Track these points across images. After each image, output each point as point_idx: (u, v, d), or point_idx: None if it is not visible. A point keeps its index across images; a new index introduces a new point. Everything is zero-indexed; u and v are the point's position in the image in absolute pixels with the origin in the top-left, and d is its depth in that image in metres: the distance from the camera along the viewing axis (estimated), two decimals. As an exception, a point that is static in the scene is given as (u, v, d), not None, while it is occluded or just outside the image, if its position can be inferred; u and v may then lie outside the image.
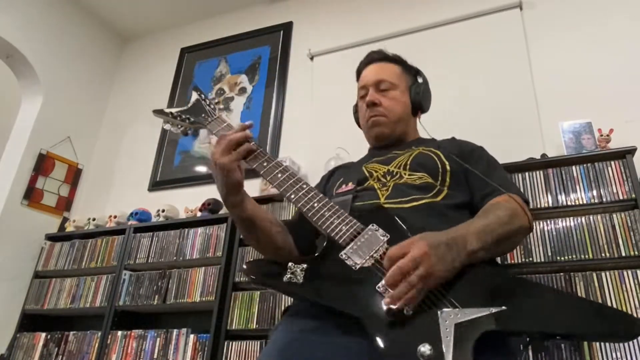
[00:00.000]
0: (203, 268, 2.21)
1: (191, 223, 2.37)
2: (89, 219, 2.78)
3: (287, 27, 3.01)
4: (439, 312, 0.75)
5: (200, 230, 2.31)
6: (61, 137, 3.02)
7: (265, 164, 1.00)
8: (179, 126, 1.18)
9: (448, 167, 1.05)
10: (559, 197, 1.70)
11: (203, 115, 1.15)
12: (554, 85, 2.11)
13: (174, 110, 1.18)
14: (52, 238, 2.77)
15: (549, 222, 1.68)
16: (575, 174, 1.72)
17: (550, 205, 1.70)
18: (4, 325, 2.55)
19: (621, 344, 1.44)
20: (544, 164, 1.79)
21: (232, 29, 3.19)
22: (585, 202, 1.67)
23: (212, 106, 1.19)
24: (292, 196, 0.94)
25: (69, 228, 2.80)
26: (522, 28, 2.28)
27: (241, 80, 3.01)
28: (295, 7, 3.06)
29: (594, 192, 1.67)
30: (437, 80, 2.33)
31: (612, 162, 1.69)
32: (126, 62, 3.56)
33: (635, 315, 1.45)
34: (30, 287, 2.63)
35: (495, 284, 0.79)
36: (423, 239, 0.77)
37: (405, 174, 1.05)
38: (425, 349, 0.70)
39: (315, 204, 0.92)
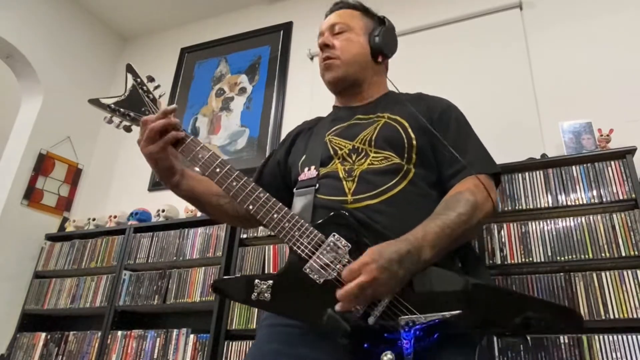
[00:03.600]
0: (203, 268, 2.21)
1: (191, 223, 2.37)
2: (89, 219, 2.78)
3: (287, 27, 3.01)
4: (399, 319, 0.79)
5: (200, 230, 2.31)
6: (61, 137, 3.02)
7: (200, 155, 0.97)
8: (120, 121, 1.06)
9: (414, 142, 1.01)
10: (559, 197, 1.70)
11: (143, 109, 1.05)
12: (554, 85, 2.12)
13: (111, 101, 1.05)
14: (52, 238, 2.77)
15: (549, 222, 1.68)
16: (575, 174, 1.72)
17: (550, 205, 1.70)
18: (4, 325, 2.55)
19: (621, 344, 1.44)
20: (544, 164, 1.79)
21: (232, 29, 3.19)
22: (585, 202, 1.67)
23: (150, 96, 1.06)
24: (250, 207, 0.93)
25: (69, 228, 2.80)
26: (522, 28, 2.28)
27: (241, 80, 3.01)
28: (295, 7, 3.06)
29: (594, 192, 1.67)
30: (437, 80, 2.35)
31: (612, 162, 1.69)
32: (126, 62, 3.55)
33: (635, 315, 1.46)
34: (30, 287, 2.63)
35: (450, 288, 0.82)
36: (374, 262, 0.78)
37: (370, 151, 1.01)
38: (387, 358, 0.75)
39: (275, 215, 0.91)
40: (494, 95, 2.21)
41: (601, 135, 1.82)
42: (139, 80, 1.08)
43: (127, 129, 1.07)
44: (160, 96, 1.08)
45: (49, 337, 2.43)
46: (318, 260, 0.86)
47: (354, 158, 1.02)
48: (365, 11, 1.22)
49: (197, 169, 0.99)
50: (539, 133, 2.04)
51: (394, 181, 0.97)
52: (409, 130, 1.03)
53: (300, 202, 1.01)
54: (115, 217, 2.70)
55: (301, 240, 0.88)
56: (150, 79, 1.09)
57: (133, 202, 2.80)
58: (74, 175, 3.08)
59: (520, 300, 0.83)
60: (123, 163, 3.14)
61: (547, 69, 2.17)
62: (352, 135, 1.06)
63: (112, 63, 3.52)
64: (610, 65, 2.05)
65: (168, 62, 3.32)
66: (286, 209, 0.92)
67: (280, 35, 3.00)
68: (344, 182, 0.98)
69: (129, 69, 1.09)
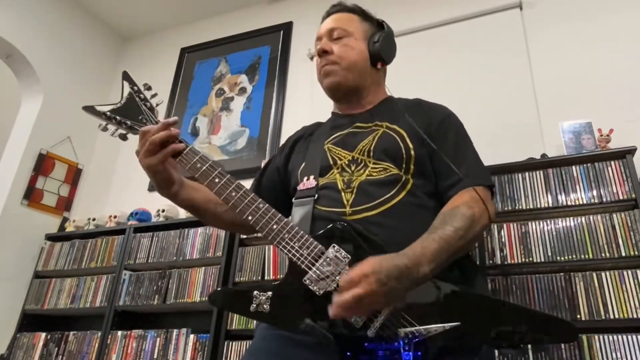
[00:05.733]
0: (203, 268, 2.21)
1: (191, 223, 2.37)
2: (89, 219, 2.78)
3: (287, 27, 3.01)
4: (398, 331, 0.79)
5: (200, 230, 2.31)
6: (61, 137, 3.02)
7: (199, 165, 0.95)
8: (115, 129, 1.03)
9: (412, 153, 1.01)
10: (559, 197, 1.70)
11: (140, 117, 1.02)
12: (554, 85, 2.12)
13: (106, 108, 1.02)
14: (52, 238, 2.77)
15: (549, 222, 1.68)
16: (575, 174, 1.72)
17: (550, 205, 1.70)
18: (4, 325, 2.55)
19: (621, 344, 1.45)
20: (544, 164, 1.79)
21: (232, 29, 3.19)
22: (585, 202, 1.67)
23: (148, 104, 1.04)
24: (250, 217, 0.92)
25: (69, 228, 2.80)
26: (522, 28, 2.28)
27: (241, 80, 3.01)
28: (295, 7, 3.06)
29: (594, 192, 1.67)
30: (437, 80, 2.35)
31: (612, 162, 1.69)
32: (126, 62, 3.56)
33: (635, 315, 1.46)
34: (30, 287, 2.63)
35: (448, 300, 0.84)
36: (374, 274, 0.77)
37: (369, 162, 1.02)
38: None
39: (274, 227, 0.91)
40: (494, 95, 2.21)
41: (601, 135, 1.82)
42: (135, 88, 1.05)
43: (123, 137, 1.04)
44: (157, 105, 1.05)
45: (49, 337, 2.43)
46: (318, 272, 0.85)
47: (352, 169, 1.03)
48: (364, 15, 1.20)
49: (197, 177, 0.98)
50: (539, 133, 2.04)
51: (392, 192, 0.97)
52: (407, 140, 1.04)
53: (299, 212, 1.01)
54: (115, 217, 2.70)
55: (301, 251, 0.88)
56: (147, 87, 1.06)
57: (133, 202, 2.80)
58: (74, 175, 3.08)
59: (515, 312, 0.84)
60: (123, 163, 3.14)
61: (547, 69, 2.16)
62: (351, 146, 1.06)
63: (112, 63, 3.52)
64: (610, 65, 2.05)
65: (168, 62, 3.32)
66: (286, 219, 0.92)
67: (280, 35, 3.00)
68: (343, 194, 0.98)
69: (125, 76, 1.05)
